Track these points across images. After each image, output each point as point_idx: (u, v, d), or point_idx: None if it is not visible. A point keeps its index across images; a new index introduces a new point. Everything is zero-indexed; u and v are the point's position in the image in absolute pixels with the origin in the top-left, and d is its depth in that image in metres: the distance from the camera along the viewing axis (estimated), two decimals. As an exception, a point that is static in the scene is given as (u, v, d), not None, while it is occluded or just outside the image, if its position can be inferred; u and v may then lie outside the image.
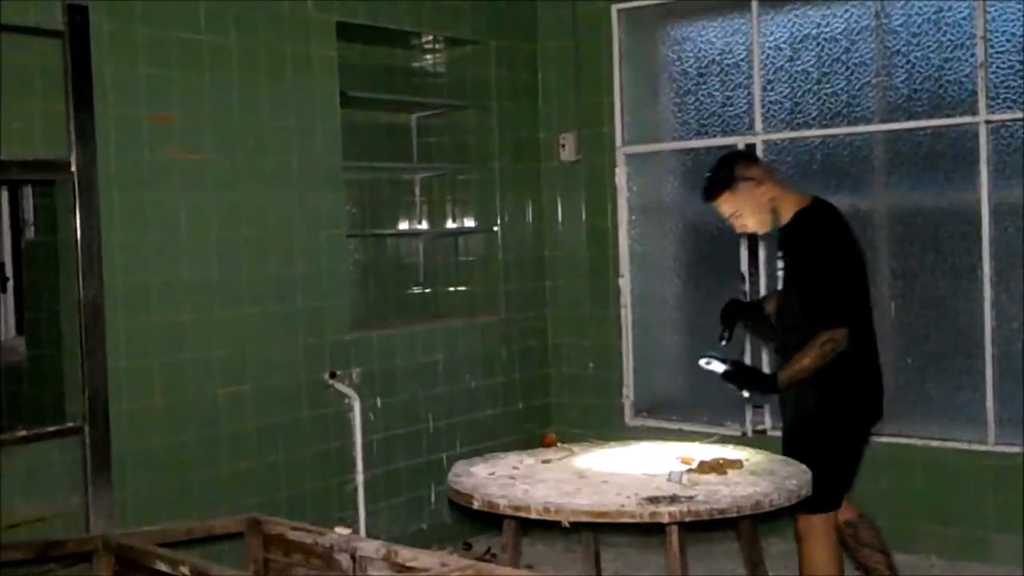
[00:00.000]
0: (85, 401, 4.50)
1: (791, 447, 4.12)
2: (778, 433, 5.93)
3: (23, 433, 4.41)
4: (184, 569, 3.21)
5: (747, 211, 4.19)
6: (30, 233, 5.03)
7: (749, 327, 4.43)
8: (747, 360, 5.48)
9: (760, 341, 4.38)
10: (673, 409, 6.44)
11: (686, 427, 6.23)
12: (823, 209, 4.22)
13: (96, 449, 4.51)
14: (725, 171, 4.21)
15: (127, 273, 4.68)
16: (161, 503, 4.74)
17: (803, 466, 3.83)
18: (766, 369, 5.50)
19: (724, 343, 4.37)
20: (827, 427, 4.10)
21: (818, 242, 4.10)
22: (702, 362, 4.12)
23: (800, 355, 3.98)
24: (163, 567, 3.31)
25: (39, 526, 4.31)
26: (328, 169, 5.51)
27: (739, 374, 4.14)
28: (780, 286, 4.27)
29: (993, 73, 5.40)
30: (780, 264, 4.29)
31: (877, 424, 4.30)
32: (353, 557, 3.33)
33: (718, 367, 4.09)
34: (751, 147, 6.05)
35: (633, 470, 3.88)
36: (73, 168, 4.48)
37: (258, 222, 5.18)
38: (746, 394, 4.23)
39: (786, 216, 4.20)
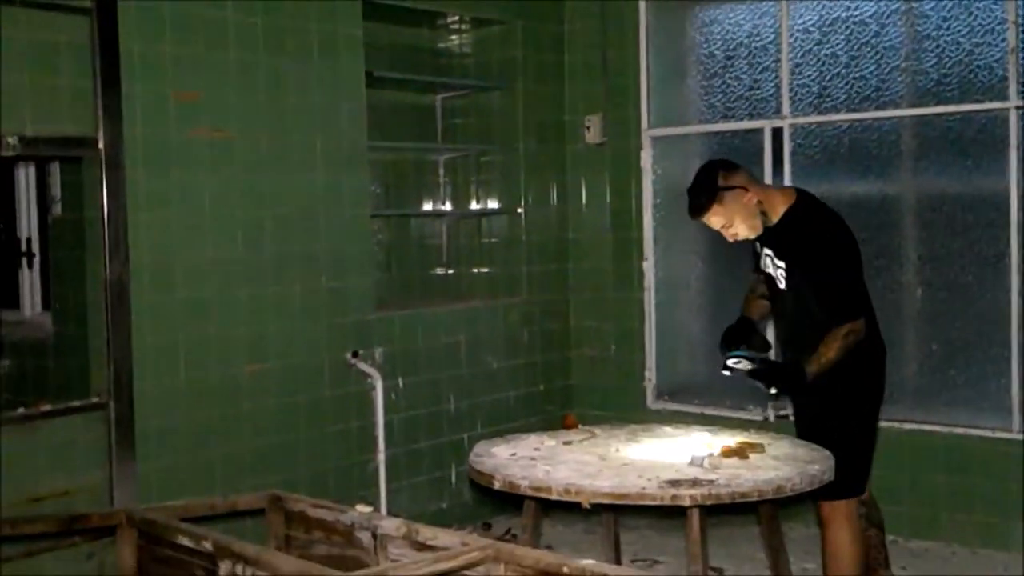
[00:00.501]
0: (110, 377, 4.53)
1: (813, 435, 4.10)
2: (801, 418, 5.92)
3: (48, 408, 4.44)
4: (207, 544, 3.23)
5: (738, 220, 4.13)
6: (57, 210, 5.05)
7: (756, 353, 4.34)
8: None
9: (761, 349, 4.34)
10: (695, 393, 6.43)
11: (708, 411, 6.22)
12: (813, 203, 4.20)
13: (120, 424, 4.54)
14: (709, 183, 4.13)
15: (153, 250, 4.70)
16: (184, 479, 4.78)
17: (826, 451, 3.82)
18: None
19: (731, 374, 4.21)
20: (849, 413, 4.11)
21: (822, 238, 4.08)
22: (731, 362, 4.10)
23: (825, 348, 3.96)
24: (186, 542, 3.33)
25: (64, 500, 4.35)
26: (353, 149, 5.51)
27: (767, 372, 4.12)
28: (782, 285, 4.19)
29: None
30: (772, 262, 4.21)
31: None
32: (374, 535, 3.35)
33: (746, 365, 4.07)
34: (778, 131, 6.02)
35: (655, 453, 3.87)
36: (100, 145, 4.50)
37: (283, 201, 5.20)
38: (773, 391, 4.19)
39: (775, 215, 4.16)
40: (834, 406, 4.11)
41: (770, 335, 4.95)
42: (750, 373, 4.09)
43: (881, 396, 4.25)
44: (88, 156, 4.53)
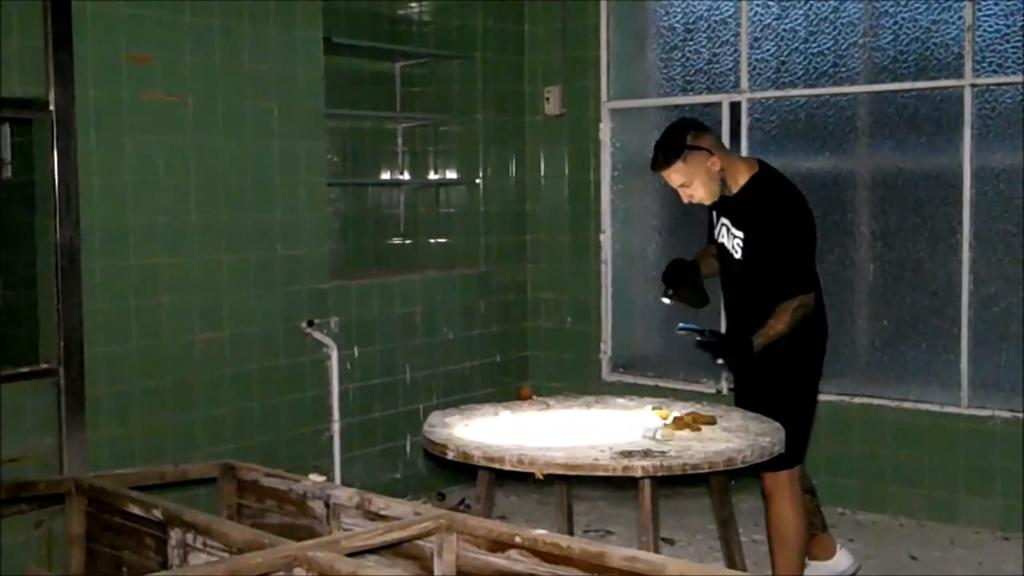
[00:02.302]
0: (60, 343, 4.47)
1: (753, 405, 4.14)
2: (753, 391, 5.97)
3: (-3, 374, 4.38)
4: (157, 513, 3.20)
5: (698, 181, 4.15)
6: (6, 172, 4.96)
7: (689, 288, 4.40)
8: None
9: (693, 296, 4.39)
10: (650, 365, 6.46)
11: (662, 383, 6.26)
12: (775, 176, 4.21)
13: (70, 391, 4.49)
14: (676, 140, 4.14)
15: (104, 215, 4.63)
16: (135, 447, 4.74)
17: (776, 424, 3.85)
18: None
19: (668, 301, 4.41)
20: (789, 385, 4.16)
21: (781, 211, 4.10)
22: (679, 331, 4.15)
23: (775, 321, 4.01)
24: (136, 510, 3.30)
25: (13, 467, 4.30)
26: (310, 116, 5.46)
27: (715, 344, 4.18)
28: (737, 255, 4.22)
29: (980, 36, 5.39)
30: (729, 231, 4.23)
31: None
32: (327, 504, 3.34)
33: (695, 336, 4.15)
34: (736, 105, 6.03)
35: (608, 424, 3.89)
36: (51, 107, 4.42)
37: (238, 167, 5.14)
38: (720, 361, 4.26)
39: (735, 185, 4.18)
40: (774, 378, 4.15)
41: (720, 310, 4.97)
42: (699, 344, 4.16)
43: (820, 370, 4.30)
44: (38, 118, 4.45)
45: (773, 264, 4.10)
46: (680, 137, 4.14)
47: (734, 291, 4.34)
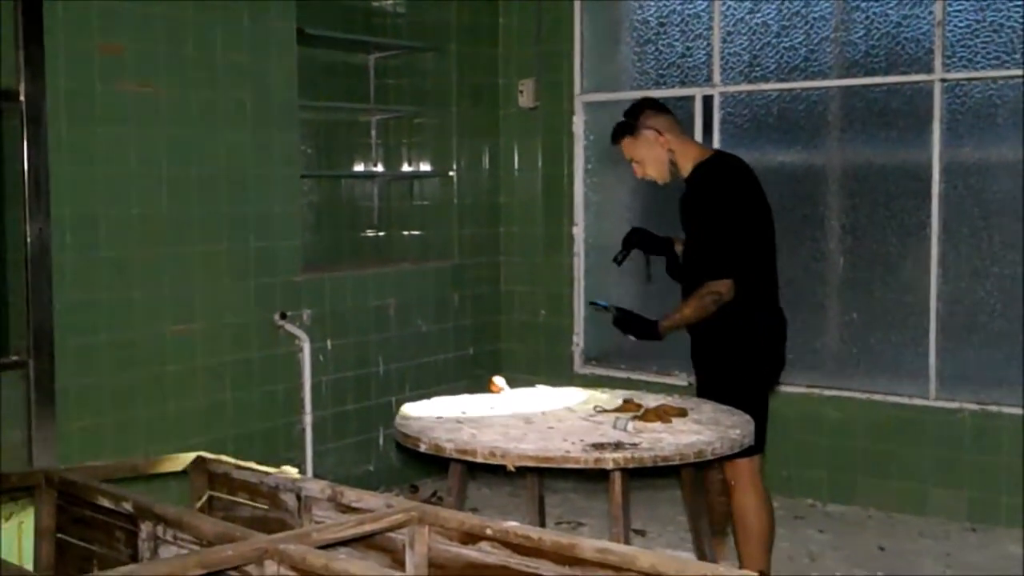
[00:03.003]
0: (30, 334, 4.44)
1: (710, 396, 4.18)
2: (725, 384, 6.00)
3: (-34, 366, 4.36)
4: (127, 505, 3.19)
5: (647, 159, 4.28)
6: (-24, 163, 4.93)
7: (651, 258, 4.59)
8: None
9: (670, 275, 4.51)
10: (622, 358, 6.49)
11: (634, 376, 6.29)
12: (724, 162, 4.27)
13: (40, 383, 4.46)
14: (630, 117, 4.29)
15: (75, 206, 4.61)
16: (106, 439, 4.72)
17: (747, 416, 3.88)
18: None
19: (617, 264, 4.60)
20: (742, 375, 4.22)
21: (714, 194, 4.16)
22: (589, 305, 4.32)
23: (683, 304, 4.17)
24: (106, 503, 3.29)
25: (-19, 459, 4.28)
26: (283, 107, 5.44)
27: (623, 319, 4.31)
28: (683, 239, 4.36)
29: (950, 31, 5.43)
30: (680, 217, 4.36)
31: (781, 373, 4.46)
32: (298, 497, 3.33)
33: (605, 312, 4.37)
34: (708, 99, 6.06)
35: (579, 416, 3.91)
36: (21, 97, 4.39)
37: (210, 159, 5.12)
38: (632, 338, 4.35)
39: (685, 170, 4.27)
40: (724, 367, 4.24)
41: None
42: (613, 321, 4.33)
43: (775, 362, 4.34)
44: (9, 108, 4.42)
45: (699, 248, 4.19)
46: (634, 115, 4.29)
47: (683, 278, 4.41)
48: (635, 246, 4.56)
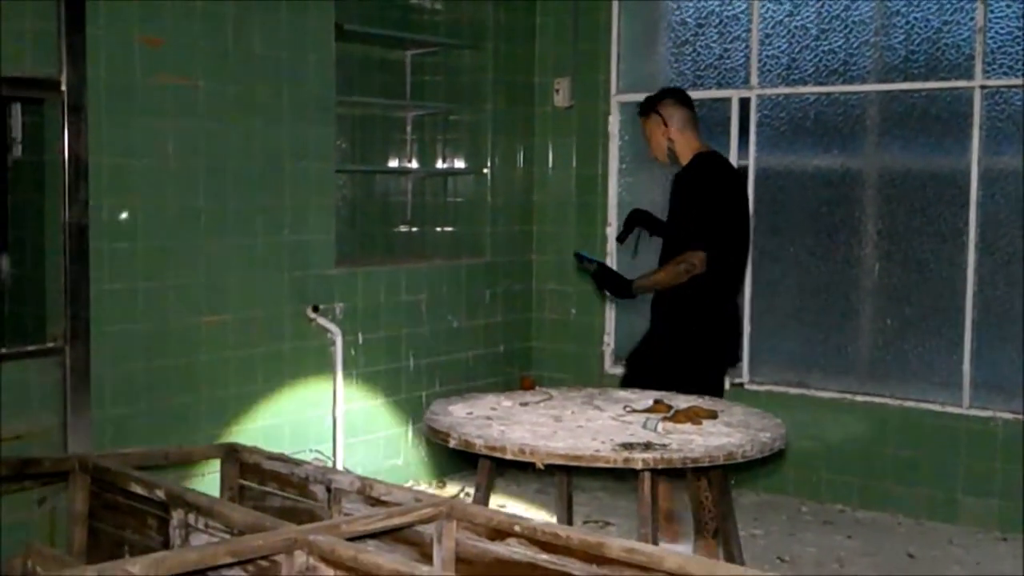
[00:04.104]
0: (67, 322, 4.49)
1: (640, 365, 4.58)
2: (755, 387, 6.02)
3: (3, 351, 4.40)
4: (160, 493, 3.23)
5: (651, 140, 4.81)
6: (17, 151, 4.98)
7: (642, 234, 5.05)
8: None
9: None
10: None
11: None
12: (711, 159, 4.71)
13: (76, 370, 4.51)
14: (650, 100, 4.79)
15: (113, 196, 4.65)
16: (139, 427, 4.76)
17: (777, 419, 3.87)
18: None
19: (620, 243, 5.09)
20: (675, 357, 4.58)
21: (704, 180, 4.61)
22: (576, 258, 4.84)
23: (657, 269, 4.62)
24: (139, 490, 3.32)
25: (17, 444, 4.33)
26: (320, 102, 5.47)
27: (602, 275, 4.72)
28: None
29: (991, 38, 5.39)
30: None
31: (728, 368, 4.86)
32: (328, 489, 3.36)
33: (588, 265, 4.73)
34: (745, 101, 6.04)
35: (609, 416, 3.91)
36: (63, 87, 4.43)
37: (247, 152, 5.16)
38: (607, 293, 4.75)
39: (685, 159, 4.73)
40: (657, 345, 4.66)
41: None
42: (592, 274, 4.74)
43: (714, 354, 4.66)
44: (50, 98, 4.47)
45: (680, 223, 4.64)
46: (653, 99, 4.79)
47: (662, 250, 4.81)
48: (637, 224, 4.97)
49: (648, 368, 4.64)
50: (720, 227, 4.55)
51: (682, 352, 4.61)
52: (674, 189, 4.80)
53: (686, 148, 4.72)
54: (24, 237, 4.86)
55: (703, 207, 4.57)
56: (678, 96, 4.80)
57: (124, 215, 4.71)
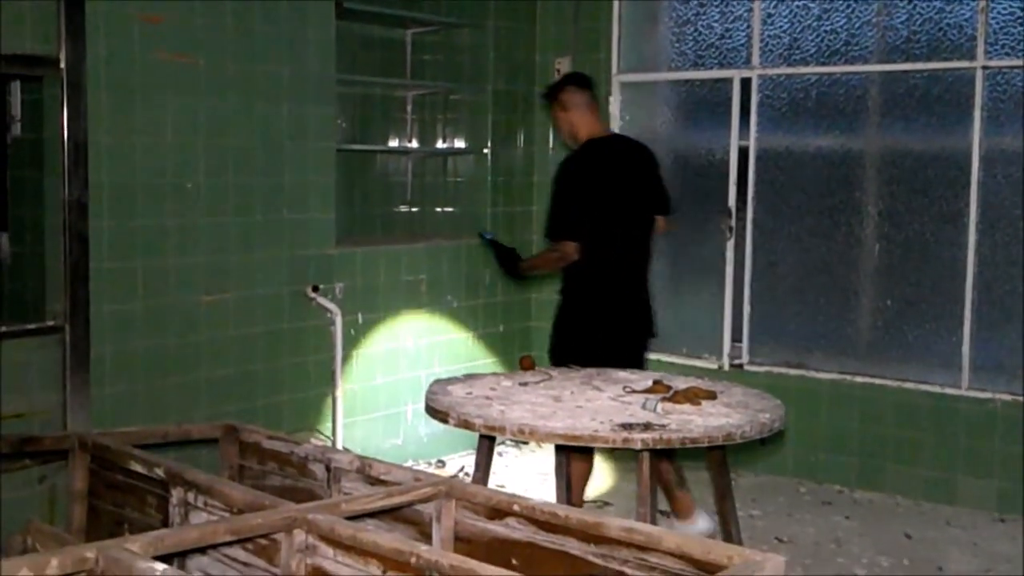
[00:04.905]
0: (66, 300, 4.49)
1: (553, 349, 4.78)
2: (755, 368, 6.03)
3: (3, 329, 4.40)
4: (159, 471, 3.23)
5: (558, 126, 4.97)
6: (16, 129, 4.96)
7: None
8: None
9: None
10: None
11: (664, 357, 6.27)
12: (597, 143, 4.78)
13: (76, 348, 4.52)
14: (553, 89, 4.94)
15: (113, 174, 4.64)
16: (139, 405, 4.77)
17: (776, 400, 3.87)
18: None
19: (488, 236, 5.40)
20: (557, 333, 4.79)
21: (570, 169, 4.74)
22: (479, 235, 5.31)
23: (536, 254, 5.07)
24: (139, 468, 3.33)
25: (17, 422, 4.33)
26: (320, 80, 5.45)
27: (495, 252, 5.09)
28: None
29: (993, 18, 5.37)
30: None
31: (647, 342, 4.96)
32: (327, 468, 3.36)
33: (488, 244, 5.15)
34: (747, 81, 6.02)
35: (608, 396, 3.91)
36: (62, 65, 4.42)
37: (247, 130, 5.14)
38: (502, 269, 5.12)
39: (580, 142, 4.83)
40: (557, 323, 4.83)
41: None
42: (486, 245, 5.15)
43: (595, 338, 4.71)
44: (49, 75, 4.45)
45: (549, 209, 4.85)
46: (557, 85, 4.95)
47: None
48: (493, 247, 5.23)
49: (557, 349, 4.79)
50: (589, 217, 4.66)
51: (576, 333, 4.75)
52: (556, 173, 4.86)
53: (583, 132, 4.81)
54: (24, 215, 4.85)
55: (557, 199, 4.73)
56: (578, 81, 4.90)
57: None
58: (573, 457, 4.46)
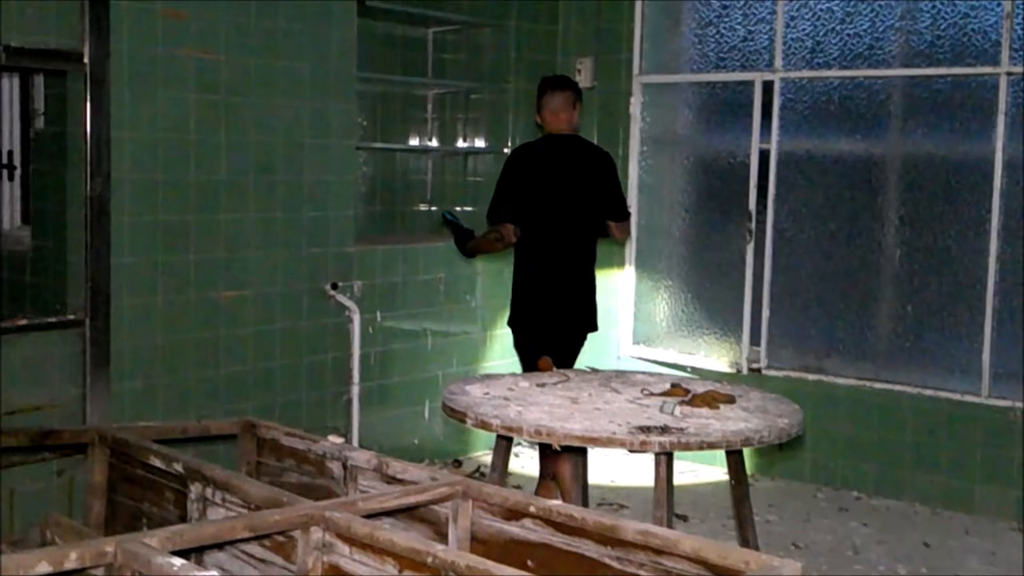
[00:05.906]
0: (87, 294, 4.52)
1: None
2: (773, 372, 6.01)
3: (24, 322, 4.43)
4: (178, 466, 3.24)
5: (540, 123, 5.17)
6: (39, 123, 4.99)
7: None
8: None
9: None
10: (670, 342, 6.46)
11: (682, 361, 6.26)
12: (553, 139, 5.01)
13: (96, 342, 4.54)
14: (539, 87, 5.13)
15: (135, 169, 4.66)
16: (158, 400, 4.79)
17: (795, 405, 3.86)
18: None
19: (449, 218, 5.40)
20: (512, 313, 5.03)
21: (517, 156, 5.07)
22: (443, 219, 5.39)
23: (480, 235, 5.08)
24: (157, 463, 3.34)
25: (37, 415, 4.36)
26: (341, 78, 5.46)
27: (453, 232, 5.22)
28: None
29: (1018, 24, 5.33)
30: None
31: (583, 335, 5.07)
32: (344, 466, 3.37)
33: (449, 224, 5.25)
34: (769, 84, 6.00)
35: (626, 399, 3.90)
36: (85, 59, 4.45)
37: (268, 127, 5.16)
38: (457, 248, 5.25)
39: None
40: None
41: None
42: (453, 233, 5.22)
43: (527, 323, 4.95)
44: (73, 70, 4.48)
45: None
46: (539, 88, 5.13)
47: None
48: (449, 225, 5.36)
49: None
50: (527, 204, 4.90)
51: (516, 313, 5.01)
52: (506, 159, 5.19)
53: (546, 129, 5.05)
54: (46, 209, 4.88)
55: (512, 182, 4.97)
56: (550, 83, 5.12)
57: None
58: (563, 458, 4.45)
